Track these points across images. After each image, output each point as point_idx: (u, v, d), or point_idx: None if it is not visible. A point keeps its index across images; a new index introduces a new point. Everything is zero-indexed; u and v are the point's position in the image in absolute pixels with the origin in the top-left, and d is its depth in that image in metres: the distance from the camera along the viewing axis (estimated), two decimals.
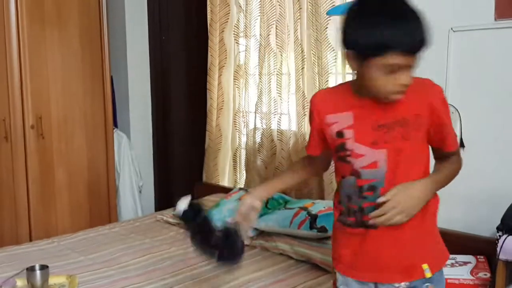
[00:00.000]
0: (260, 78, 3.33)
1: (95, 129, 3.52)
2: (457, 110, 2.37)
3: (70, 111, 3.40)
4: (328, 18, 2.89)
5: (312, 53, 3.00)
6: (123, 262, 2.55)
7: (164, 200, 4.10)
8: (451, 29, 2.39)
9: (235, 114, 3.58)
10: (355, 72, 1.45)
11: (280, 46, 3.19)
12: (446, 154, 1.53)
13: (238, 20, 3.48)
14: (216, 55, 3.58)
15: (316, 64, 2.99)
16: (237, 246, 1.64)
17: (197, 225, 1.71)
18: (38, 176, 3.27)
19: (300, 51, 3.05)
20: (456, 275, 2.11)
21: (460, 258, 2.26)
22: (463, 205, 2.42)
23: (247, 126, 3.53)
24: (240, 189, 3.20)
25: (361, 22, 1.35)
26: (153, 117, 4.19)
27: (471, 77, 2.35)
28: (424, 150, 1.50)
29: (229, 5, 3.48)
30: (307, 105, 3.07)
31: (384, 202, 1.41)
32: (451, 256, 2.24)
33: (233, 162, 3.65)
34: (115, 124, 3.92)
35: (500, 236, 1.89)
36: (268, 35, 3.24)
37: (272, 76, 3.29)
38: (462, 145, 2.44)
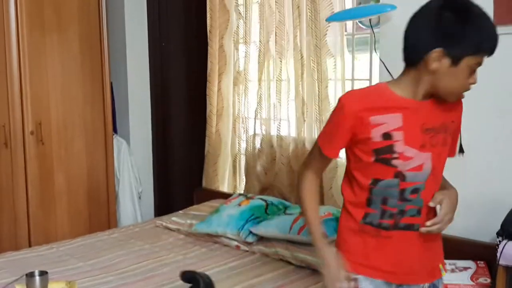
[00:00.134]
0: (259, 84, 3.34)
1: (95, 135, 3.52)
2: None
3: (69, 117, 3.40)
4: (328, 25, 2.90)
5: (312, 60, 3.01)
6: (122, 268, 2.54)
7: (163, 206, 4.09)
8: None
9: (235, 120, 3.58)
10: (432, 71, 1.42)
11: (280, 53, 3.20)
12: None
13: (237, 26, 3.49)
14: (216, 61, 3.59)
15: (316, 70, 3.00)
16: None
17: None
18: (37, 181, 3.26)
19: (300, 58, 3.06)
20: (456, 281, 2.11)
21: (460, 263, 2.25)
22: (462, 210, 2.39)
23: (246, 132, 3.53)
24: (240, 194, 3.20)
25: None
26: (152, 123, 4.19)
27: None
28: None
29: (228, 11, 3.49)
30: (307, 111, 3.08)
31: (433, 207, 1.51)
32: (451, 261, 2.25)
33: (233, 167, 3.65)
34: (115, 130, 3.93)
35: (500, 241, 1.89)
36: (268, 42, 3.25)
37: (271, 82, 3.30)
38: (461, 150, 2.44)
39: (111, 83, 3.62)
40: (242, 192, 3.52)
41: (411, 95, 1.48)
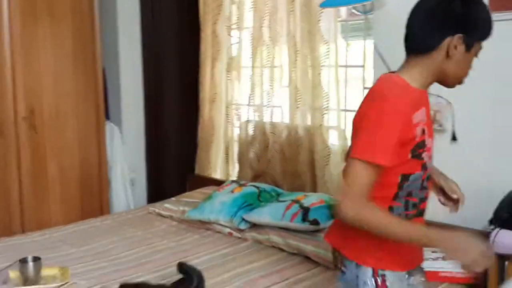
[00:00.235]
0: (252, 71, 3.32)
1: (87, 123, 3.50)
2: (450, 103, 2.38)
3: (62, 104, 3.37)
4: (321, 11, 2.88)
5: (305, 46, 2.99)
6: (115, 255, 2.54)
7: (156, 193, 4.09)
8: None
9: (228, 107, 3.57)
10: (449, 58, 1.44)
11: (273, 39, 3.18)
12: None
13: (230, 12, 3.46)
14: (209, 47, 3.56)
15: (309, 57, 2.98)
16: None
17: None
18: (30, 169, 3.25)
19: (293, 44, 3.05)
20: (448, 268, 2.12)
21: None
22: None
23: (239, 118, 3.52)
24: (233, 181, 3.20)
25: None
26: (145, 109, 4.17)
27: None
28: None
29: None
30: (300, 98, 3.07)
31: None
32: None
33: (226, 154, 3.65)
34: (107, 116, 3.90)
35: (492, 229, 1.90)
36: (261, 28, 3.23)
37: (264, 69, 3.28)
38: (454, 138, 2.45)
39: (103, 70, 3.59)
40: (235, 179, 3.51)
41: (421, 85, 1.48)
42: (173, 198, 3.33)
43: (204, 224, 2.89)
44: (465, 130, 2.40)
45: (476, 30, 1.44)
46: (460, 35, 1.41)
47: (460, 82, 1.52)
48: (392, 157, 1.38)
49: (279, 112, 3.25)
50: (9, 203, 3.20)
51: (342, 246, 1.54)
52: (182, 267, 2.10)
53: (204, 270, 2.20)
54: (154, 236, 2.80)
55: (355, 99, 2.84)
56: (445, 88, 1.54)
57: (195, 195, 3.30)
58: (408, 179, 1.47)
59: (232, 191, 2.96)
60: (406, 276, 1.55)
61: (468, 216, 2.37)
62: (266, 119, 3.31)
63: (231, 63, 3.50)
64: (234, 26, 3.46)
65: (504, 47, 2.25)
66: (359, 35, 3.00)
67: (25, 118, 3.20)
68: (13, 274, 2.21)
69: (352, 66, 3.04)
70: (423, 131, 1.46)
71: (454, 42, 1.42)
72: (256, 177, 3.37)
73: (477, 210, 2.29)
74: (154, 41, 4.07)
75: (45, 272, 2.23)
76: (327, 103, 2.96)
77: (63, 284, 2.17)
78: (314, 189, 3.02)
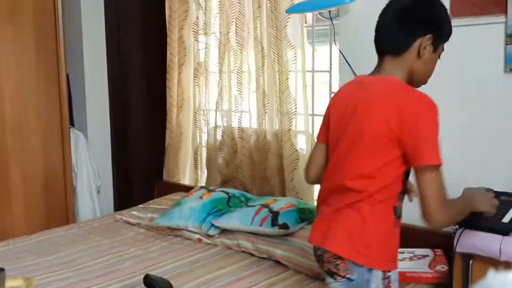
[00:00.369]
0: (220, 76, 3.32)
1: (51, 129, 3.42)
2: None
3: (24, 110, 3.30)
4: (288, 16, 2.90)
5: (272, 51, 3.00)
6: (81, 264, 2.49)
7: (123, 200, 4.03)
8: None
9: (196, 112, 3.55)
10: (419, 58, 1.51)
11: (240, 44, 3.19)
12: None
13: (197, 17, 3.45)
14: (176, 53, 3.54)
15: (276, 62, 2.99)
16: None
17: None
18: None
19: (260, 49, 3.06)
20: (415, 269, 2.15)
21: (418, 251, 2.30)
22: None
23: (207, 124, 3.50)
24: (201, 187, 3.18)
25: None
26: (111, 115, 4.11)
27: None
28: None
29: (188, 2, 3.45)
30: (268, 103, 3.08)
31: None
32: (409, 249, 2.30)
33: (194, 160, 3.63)
34: (72, 123, 3.84)
35: (456, 229, 1.94)
36: (228, 33, 3.23)
37: (232, 74, 3.28)
38: None
39: (67, 75, 3.53)
40: (203, 184, 3.50)
41: (416, 84, 1.58)
42: (141, 205, 3.29)
43: (173, 231, 2.86)
44: None
45: (442, 31, 1.52)
46: (430, 35, 1.48)
47: (424, 82, 1.58)
48: None
49: (247, 117, 3.25)
50: None
51: (351, 255, 1.55)
52: (147, 280, 2.06)
53: (172, 278, 2.18)
54: (122, 244, 2.75)
55: (322, 104, 2.86)
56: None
57: (163, 201, 3.27)
58: (408, 175, 1.56)
59: (201, 197, 2.94)
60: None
61: None
62: (234, 124, 3.30)
63: (198, 69, 3.49)
64: (201, 31, 3.45)
65: (462, 51, 2.30)
66: (325, 40, 3.03)
67: None
68: None
69: (318, 71, 3.07)
70: None
71: (425, 42, 1.48)
72: (225, 183, 3.36)
73: None
74: (120, 46, 4.02)
75: (9, 283, 2.16)
76: (295, 108, 2.98)
77: None
78: (283, 193, 3.03)
